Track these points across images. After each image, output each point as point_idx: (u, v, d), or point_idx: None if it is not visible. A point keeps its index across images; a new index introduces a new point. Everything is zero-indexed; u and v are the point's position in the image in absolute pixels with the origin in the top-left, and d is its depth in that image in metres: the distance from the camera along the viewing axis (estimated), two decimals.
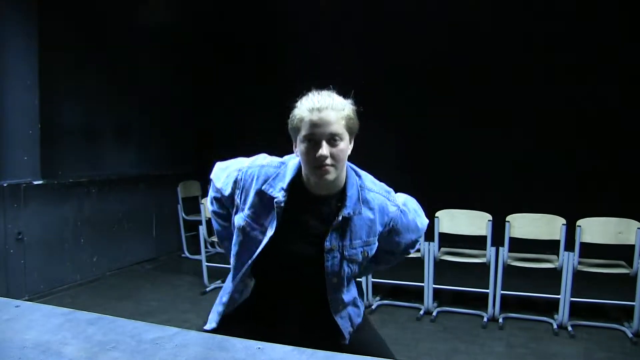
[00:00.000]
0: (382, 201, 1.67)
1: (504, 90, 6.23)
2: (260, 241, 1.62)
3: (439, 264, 4.15)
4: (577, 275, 3.84)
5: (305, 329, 1.69)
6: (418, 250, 4.12)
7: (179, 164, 6.53)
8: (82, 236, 4.96)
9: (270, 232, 1.60)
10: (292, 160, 1.67)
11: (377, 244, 1.69)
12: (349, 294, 1.72)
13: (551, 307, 4.06)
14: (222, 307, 1.75)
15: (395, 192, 1.81)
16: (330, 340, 1.66)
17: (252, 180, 1.66)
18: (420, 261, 4.14)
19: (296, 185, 1.62)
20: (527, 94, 6.17)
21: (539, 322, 4.00)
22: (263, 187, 1.63)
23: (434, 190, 5.71)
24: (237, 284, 1.70)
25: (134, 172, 5.83)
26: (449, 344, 3.62)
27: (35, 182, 4.45)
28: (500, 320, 3.99)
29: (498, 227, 3.97)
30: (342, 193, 1.62)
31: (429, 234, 4.08)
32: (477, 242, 4.06)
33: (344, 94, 1.65)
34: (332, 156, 1.52)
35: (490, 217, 3.97)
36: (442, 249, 4.22)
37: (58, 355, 1.23)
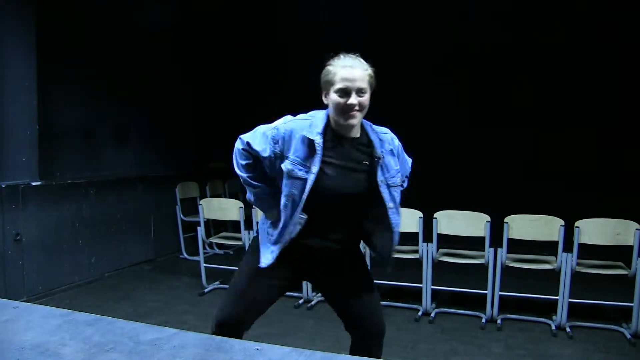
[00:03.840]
0: (390, 137, 2.11)
1: (504, 91, 6.25)
2: (306, 179, 1.92)
3: (437, 265, 4.15)
4: (576, 276, 3.84)
5: (332, 262, 2.08)
6: (416, 252, 4.13)
7: (177, 165, 6.52)
8: (80, 237, 4.96)
9: (315, 169, 1.92)
10: (318, 113, 2.03)
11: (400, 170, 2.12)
12: (399, 216, 2.09)
13: (549, 308, 4.06)
14: (276, 245, 2.01)
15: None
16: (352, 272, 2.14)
17: (291, 132, 1.96)
18: (418, 262, 4.14)
19: (329, 131, 1.98)
20: (527, 94, 6.19)
21: (538, 323, 4.00)
22: (303, 133, 1.94)
23: (432, 192, 5.71)
24: (289, 221, 1.97)
25: (132, 173, 5.82)
26: (447, 345, 3.62)
27: (34, 183, 4.45)
28: (499, 321, 3.99)
29: (496, 228, 3.97)
30: (365, 136, 2.04)
31: (428, 235, 4.09)
32: (475, 243, 4.06)
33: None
34: (359, 104, 1.92)
35: (488, 218, 3.97)
36: (441, 250, 4.22)
37: (56, 356, 1.23)
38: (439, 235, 4.10)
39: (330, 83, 1.95)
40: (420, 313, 4.16)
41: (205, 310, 4.25)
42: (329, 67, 1.99)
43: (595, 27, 5.78)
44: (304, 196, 1.92)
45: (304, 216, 1.96)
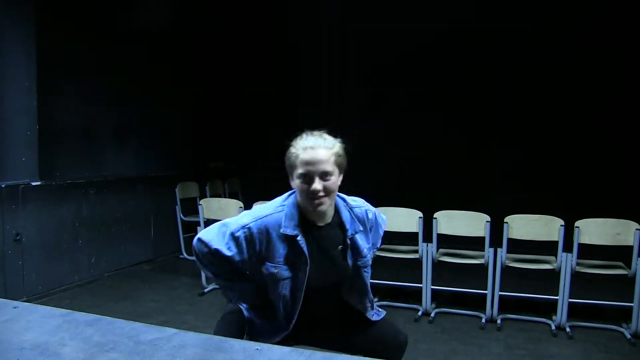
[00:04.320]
0: (364, 211, 1.99)
1: (504, 92, 6.25)
2: (289, 278, 1.84)
3: (437, 265, 4.15)
4: (576, 276, 3.84)
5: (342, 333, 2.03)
6: (416, 252, 4.12)
7: (177, 165, 6.52)
8: (80, 237, 4.96)
9: (306, 267, 1.83)
10: (287, 200, 1.89)
11: (371, 245, 2.03)
12: (369, 293, 2.05)
13: (549, 308, 4.06)
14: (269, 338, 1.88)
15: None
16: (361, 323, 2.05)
17: (266, 230, 1.83)
18: (418, 262, 4.14)
19: (302, 222, 1.86)
20: (527, 95, 6.19)
21: (537, 323, 4.00)
22: (281, 231, 1.82)
23: (432, 192, 5.73)
24: (283, 320, 1.90)
25: (132, 173, 5.82)
26: (447, 345, 3.62)
27: (34, 183, 4.45)
28: (499, 321, 3.99)
29: (496, 228, 3.97)
30: (337, 217, 1.92)
31: (428, 235, 4.09)
32: (475, 243, 4.06)
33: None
34: (325, 189, 1.77)
35: (488, 218, 3.97)
36: (441, 250, 4.22)
37: (56, 356, 1.23)
38: (439, 235, 4.10)
39: (292, 167, 1.81)
40: (420, 313, 4.16)
41: (205, 310, 4.26)
42: (290, 149, 1.82)
43: (598, 29, 5.78)
44: (299, 296, 1.85)
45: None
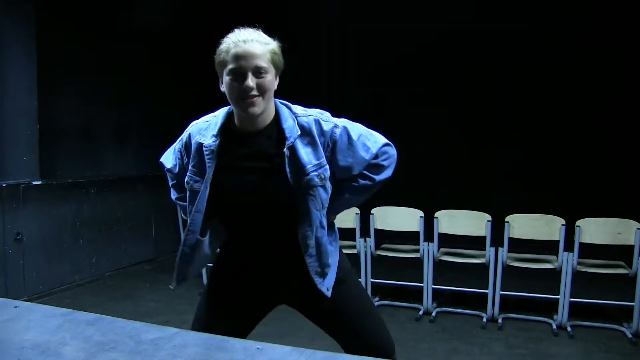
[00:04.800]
0: (314, 120, 1.65)
1: (505, 92, 6.24)
2: (204, 192, 1.62)
3: (438, 265, 4.15)
4: (577, 275, 3.84)
5: (287, 284, 1.74)
6: (417, 251, 4.12)
7: None
8: (81, 237, 4.96)
9: (208, 178, 1.61)
10: (224, 109, 1.71)
11: (327, 165, 1.65)
12: (319, 229, 1.67)
13: (550, 308, 4.06)
14: (178, 265, 1.82)
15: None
16: (316, 295, 1.70)
17: (189, 138, 1.71)
18: (419, 262, 4.13)
19: (229, 129, 1.65)
20: (527, 95, 6.18)
21: (538, 322, 4.00)
22: (196, 138, 1.66)
23: (433, 191, 5.73)
24: (192, 242, 1.70)
25: (133, 173, 5.82)
26: (448, 344, 3.62)
27: (34, 183, 4.45)
28: (500, 320, 3.98)
29: (497, 228, 3.96)
30: (277, 126, 1.63)
31: (428, 234, 4.08)
32: (476, 242, 4.05)
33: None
34: (258, 87, 1.54)
35: (489, 217, 3.97)
36: (442, 250, 4.22)
37: (57, 356, 1.23)
38: (440, 235, 4.10)
39: (222, 64, 1.57)
40: (421, 312, 4.16)
41: None
42: (220, 46, 1.59)
43: (598, 29, 5.77)
44: (200, 210, 1.63)
45: (206, 235, 1.70)
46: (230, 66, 1.54)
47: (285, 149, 1.58)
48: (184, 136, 1.74)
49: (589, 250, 3.84)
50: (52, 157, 4.87)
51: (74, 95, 5.14)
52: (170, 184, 1.91)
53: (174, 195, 1.93)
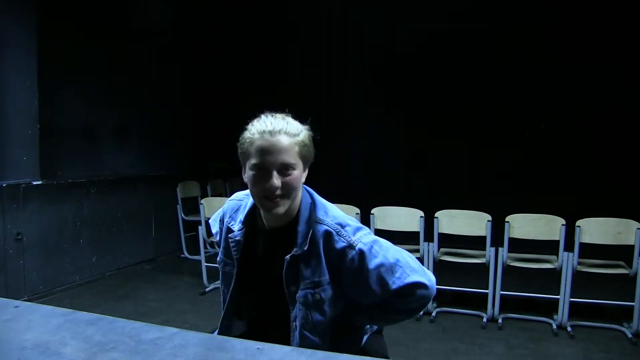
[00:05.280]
0: (328, 236, 1.44)
1: (504, 91, 6.25)
2: (229, 273, 1.57)
3: (438, 265, 4.14)
4: (577, 275, 3.84)
5: None
6: (417, 251, 4.12)
7: (178, 164, 6.52)
8: (81, 237, 4.96)
9: (234, 268, 1.55)
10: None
11: (328, 286, 1.46)
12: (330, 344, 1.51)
13: (551, 308, 4.06)
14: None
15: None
16: None
17: (224, 215, 1.65)
18: (419, 261, 4.12)
19: (253, 219, 1.54)
20: (527, 95, 6.18)
21: (539, 322, 4.00)
22: (226, 221, 1.58)
23: (433, 191, 5.73)
24: (221, 323, 1.61)
25: (133, 173, 5.83)
26: (448, 344, 3.62)
27: (35, 183, 4.45)
28: (500, 320, 3.98)
29: (497, 228, 3.97)
30: (294, 225, 1.46)
31: (429, 234, 4.09)
32: (476, 242, 4.06)
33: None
34: (284, 187, 1.38)
35: (489, 217, 3.97)
36: (442, 250, 4.22)
37: (57, 356, 1.23)
38: (440, 235, 4.10)
39: (246, 155, 1.42)
40: (421, 312, 4.16)
41: (206, 310, 4.26)
42: (245, 133, 1.44)
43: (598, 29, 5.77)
44: (228, 296, 1.57)
45: (239, 322, 1.63)
46: (253, 161, 1.38)
47: (287, 257, 1.45)
48: (225, 208, 1.67)
49: (589, 250, 3.84)
50: (52, 157, 4.87)
51: (74, 95, 5.14)
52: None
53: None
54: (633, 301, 3.73)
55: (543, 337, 3.75)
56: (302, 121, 1.47)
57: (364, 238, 1.45)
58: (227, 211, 1.63)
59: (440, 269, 4.21)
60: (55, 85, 4.83)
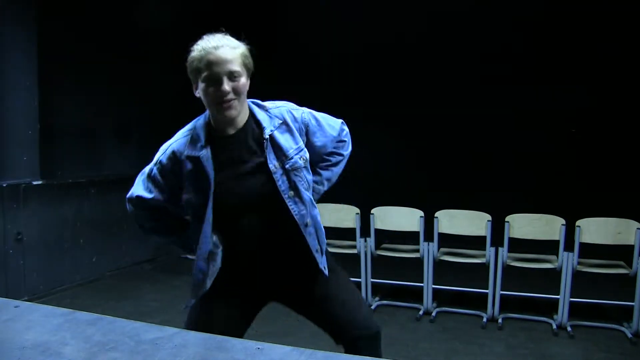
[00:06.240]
0: (286, 110, 1.78)
1: (504, 90, 6.24)
2: (206, 203, 1.65)
3: (438, 264, 4.15)
4: (577, 275, 3.84)
5: (284, 276, 1.81)
6: (417, 251, 4.12)
7: None
8: (81, 236, 4.96)
9: (211, 188, 1.65)
10: (198, 120, 1.79)
11: (304, 148, 1.77)
12: (311, 207, 1.78)
13: (550, 308, 4.06)
14: (198, 287, 1.77)
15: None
16: (311, 280, 1.81)
17: (174, 157, 1.72)
18: (419, 261, 4.14)
19: (210, 137, 1.71)
20: (527, 94, 6.18)
21: (539, 322, 4.00)
22: (185, 154, 1.69)
23: (433, 191, 5.73)
24: (205, 255, 1.72)
25: (134, 173, 5.74)
26: (448, 344, 3.62)
27: (35, 183, 4.45)
28: (500, 320, 3.99)
29: (497, 228, 3.96)
30: (253, 123, 1.73)
31: (429, 234, 4.09)
32: (476, 242, 4.06)
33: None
34: (234, 91, 1.62)
35: (489, 217, 3.97)
36: (442, 249, 4.22)
37: (57, 356, 1.23)
38: (440, 235, 4.10)
39: (196, 71, 1.64)
40: (421, 312, 4.16)
41: None
42: (192, 53, 1.65)
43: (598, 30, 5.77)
44: (208, 220, 1.67)
45: (218, 244, 1.76)
46: (204, 73, 1.61)
47: (264, 140, 1.68)
48: (163, 159, 1.75)
49: (589, 250, 3.84)
50: (53, 157, 4.87)
51: (74, 95, 5.14)
52: (147, 225, 1.87)
53: (157, 229, 1.90)
54: (633, 301, 3.73)
55: (543, 337, 3.75)
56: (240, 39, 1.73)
57: (303, 108, 1.86)
58: (178, 151, 1.72)
59: (440, 269, 4.22)
60: (55, 85, 4.83)
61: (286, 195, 1.69)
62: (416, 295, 4.28)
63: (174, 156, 1.72)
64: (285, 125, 1.74)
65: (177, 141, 1.76)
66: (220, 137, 1.71)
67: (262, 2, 7.17)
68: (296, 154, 1.72)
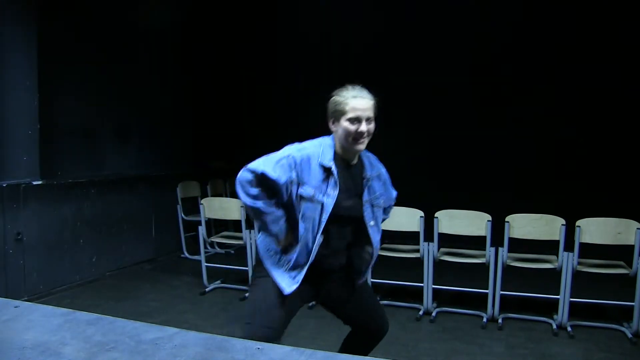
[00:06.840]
0: (377, 163, 2.34)
1: (504, 91, 6.24)
2: (324, 203, 2.09)
3: (438, 264, 4.15)
4: (577, 275, 3.84)
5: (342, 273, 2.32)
6: (417, 251, 4.12)
7: (178, 164, 6.52)
8: (81, 236, 4.96)
9: (334, 193, 2.10)
10: (324, 140, 2.20)
11: (385, 195, 2.32)
12: (379, 234, 2.31)
13: (550, 308, 4.06)
14: (297, 270, 2.15)
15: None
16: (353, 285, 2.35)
17: (308, 159, 2.11)
18: (419, 261, 4.14)
19: (336, 158, 2.16)
20: (527, 95, 6.18)
21: (539, 322, 4.00)
22: (319, 160, 2.11)
23: (433, 191, 5.73)
24: (311, 243, 2.11)
25: (133, 173, 5.82)
26: (448, 344, 3.62)
27: (35, 183, 4.45)
28: (500, 320, 3.99)
29: (497, 228, 3.97)
30: (360, 160, 2.25)
31: (429, 234, 4.09)
32: (476, 242, 4.06)
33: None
34: (368, 132, 2.11)
35: (489, 217, 3.97)
36: (442, 249, 4.22)
37: (57, 356, 1.23)
38: (440, 235, 4.10)
39: (342, 112, 2.11)
40: (421, 312, 4.16)
41: (206, 310, 4.26)
42: (337, 98, 2.14)
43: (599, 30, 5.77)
44: (324, 219, 2.09)
45: (321, 238, 2.12)
46: (350, 115, 2.09)
47: (366, 179, 2.22)
48: (297, 155, 2.10)
49: (589, 250, 3.84)
50: (53, 157, 4.86)
51: (74, 95, 5.14)
52: (253, 192, 2.11)
53: (256, 202, 2.13)
54: (633, 301, 3.73)
55: (543, 337, 3.75)
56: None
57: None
58: (312, 155, 2.12)
59: (440, 269, 4.22)
60: (55, 85, 4.83)
61: (369, 223, 2.21)
62: (416, 295, 4.28)
63: (308, 159, 2.11)
64: (378, 174, 2.29)
65: (310, 148, 2.15)
66: (343, 162, 2.17)
67: (262, 2, 7.17)
68: (380, 197, 2.27)
